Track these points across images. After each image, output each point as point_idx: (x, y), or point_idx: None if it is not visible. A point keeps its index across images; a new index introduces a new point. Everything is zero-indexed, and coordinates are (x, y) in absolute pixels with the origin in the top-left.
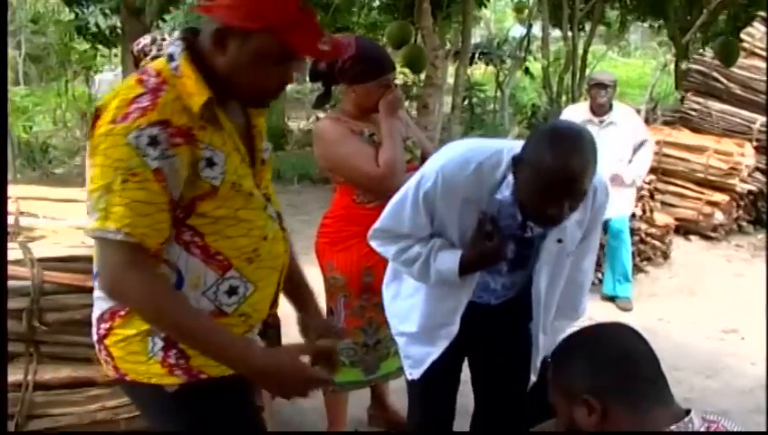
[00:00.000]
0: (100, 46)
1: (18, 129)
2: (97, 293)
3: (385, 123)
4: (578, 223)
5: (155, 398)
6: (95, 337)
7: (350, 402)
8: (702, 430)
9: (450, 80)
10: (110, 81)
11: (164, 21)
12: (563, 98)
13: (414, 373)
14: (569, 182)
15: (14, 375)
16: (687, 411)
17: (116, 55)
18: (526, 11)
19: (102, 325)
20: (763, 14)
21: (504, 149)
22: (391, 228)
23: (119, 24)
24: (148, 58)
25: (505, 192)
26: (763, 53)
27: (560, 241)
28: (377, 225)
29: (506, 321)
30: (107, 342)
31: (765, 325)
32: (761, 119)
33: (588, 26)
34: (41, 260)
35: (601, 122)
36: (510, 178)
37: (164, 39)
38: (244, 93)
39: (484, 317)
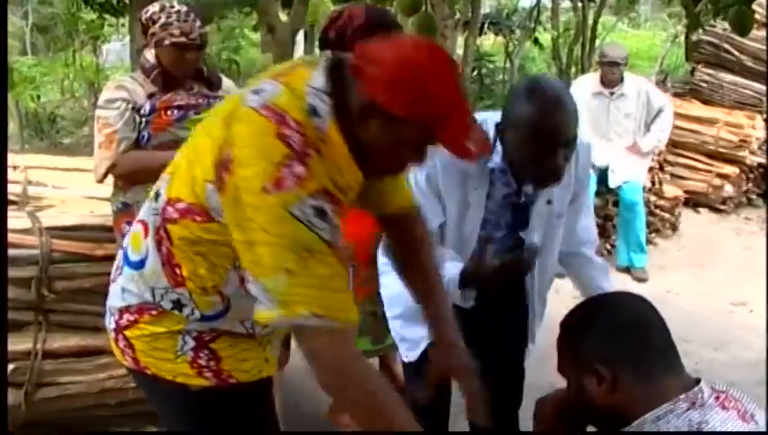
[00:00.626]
0: (107, 16)
1: (26, 98)
2: (124, 283)
3: None
4: (562, 186)
5: (176, 396)
6: (112, 325)
7: None
8: (711, 400)
9: (459, 50)
10: (117, 50)
11: None
12: (573, 69)
13: (410, 356)
14: (558, 131)
15: (24, 344)
16: (697, 381)
17: (123, 25)
18: None
19: (126, 316)
20: None
21: (488, 118)
22: None
23: None
24: (156, 26)
25: (496, 159)
26: None
27: (549, 202)
28: None
29: (502, 291)
30: (128, 333)
31: (765, 299)
32: None
33: None
34: (49, 229)
35: (612, 94)
36: (498, 147)
37: (172, 6)
38: (373, 165)
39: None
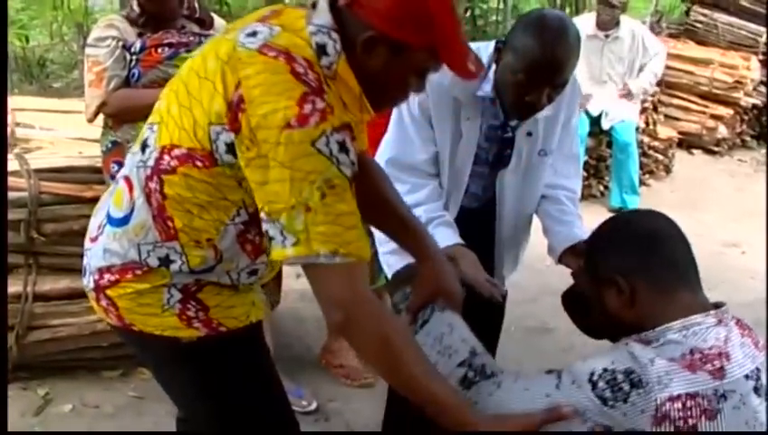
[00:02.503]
0: None
1: (14, 38)
2: (106, 243)
3: None
4: (548, 119)
5: (167, 349)
6: (91, 285)
7: None
8: (732, 322)
9: None
10: None
11: None
12: (567, 10)
13: None
14: (552, 69)
15: (14, 287)
16: (719, 304)
17: None
18: None
19: (107, 276)
20: None
21: (481, 46)
22: (402, 156)
23: None
24: None
25: (486, 87)
26: None
27: (529, 134)
28: (387, 156)
29: (483, 225)
30: (110, 293)
31: (765, 240)
32: None
33: None
34: (37, 171)
35: (606, 37)
36: (490, 74)
37: None
38: (373, 98)
39: (464, 222)
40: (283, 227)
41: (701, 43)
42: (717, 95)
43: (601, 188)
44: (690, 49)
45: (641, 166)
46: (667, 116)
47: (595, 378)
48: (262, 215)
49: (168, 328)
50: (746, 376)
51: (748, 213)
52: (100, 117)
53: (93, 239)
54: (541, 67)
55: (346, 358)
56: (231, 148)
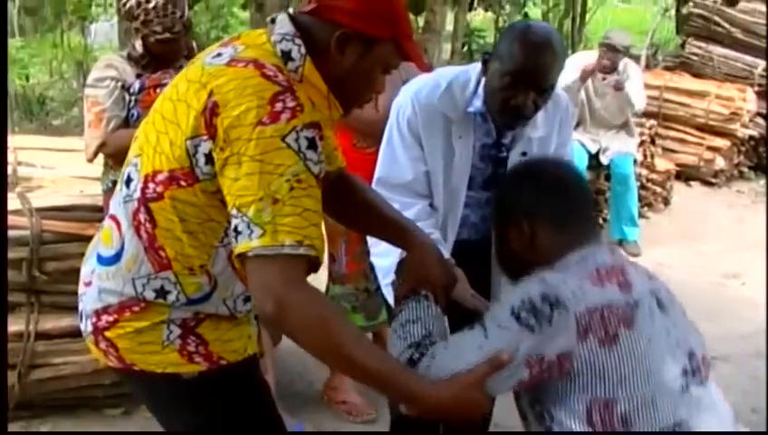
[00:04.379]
0: None
1: (14, 77)
2: (100, 284)
3: None
4: (541, 139)
5: (169, 387)
6: (89, 328)
7: None
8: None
9: (449, 26)
10: (105, 30)
11: None
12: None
13: None
14: (537, 71)
15: (16, 325)
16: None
17: (111, 5)
18: None
19: (105, 317)
20: None
21: (470, 68)
22: (391, 176)
23: None
24: (137, 22)
25: (476, 103)
26: None
27: (524, 154)
28: (376, 175)
29: (484, 257)
30: (109, 334)
31: (765, 271)
32: (763, 63)
33: None
34: (39, 210)
35: (603, 79)
36: (479, 90)
37: (149, 2)
38: (342, 99)
39: (464, 254)
40: (250, 219)
41: (697, 75)
42: (714, 127)
43: (600, 221)
44: (686, 81)
45: (640, 198)
46: (664, 148)
47: (516, 311)
48: (232, 212)
49: (169, 365)
50: (649, 291)
51: (748, 244)
52: (101, 156)
53: (87, 284)
54: (526, 69)
55: (348, 394)
56: (210, 158)
